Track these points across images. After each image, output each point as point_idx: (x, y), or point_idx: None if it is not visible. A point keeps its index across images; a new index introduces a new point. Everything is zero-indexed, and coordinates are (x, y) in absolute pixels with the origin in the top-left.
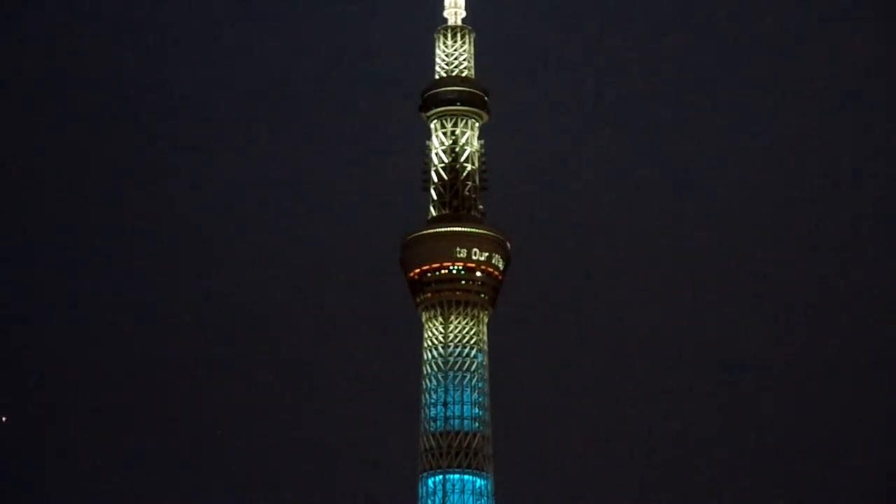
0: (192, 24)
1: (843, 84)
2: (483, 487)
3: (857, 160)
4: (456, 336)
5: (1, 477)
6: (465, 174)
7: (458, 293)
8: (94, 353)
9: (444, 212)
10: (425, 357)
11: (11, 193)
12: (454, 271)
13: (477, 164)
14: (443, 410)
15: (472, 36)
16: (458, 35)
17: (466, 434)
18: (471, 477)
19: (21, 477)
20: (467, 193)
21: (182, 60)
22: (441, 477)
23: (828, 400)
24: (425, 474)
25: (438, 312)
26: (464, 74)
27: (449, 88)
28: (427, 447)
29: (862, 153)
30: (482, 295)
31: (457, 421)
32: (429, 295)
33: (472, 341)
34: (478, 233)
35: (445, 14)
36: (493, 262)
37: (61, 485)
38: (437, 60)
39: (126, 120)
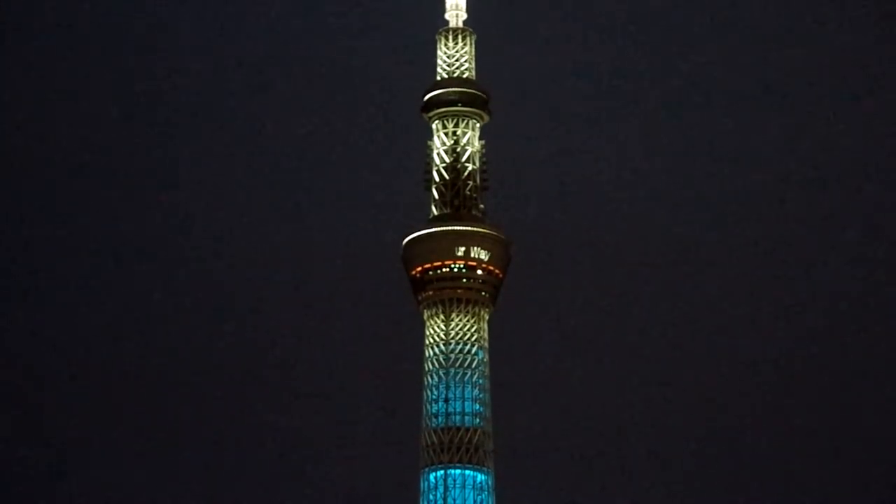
0: (192, 24)
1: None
2: (484, 482)
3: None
4: (457, 333)
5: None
6: (466, 174)
7: (459, 291)
8: (90, 351)
9: (445, 211)
10: (427, 354)
11: (10, 190)
12: (455, 269)
13: (478, 164)
14: (444, 407)
15: (473, 38)
16: (460, 37)
17: (467, 430)
18: (472, 472)
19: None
20: (468, 193)
21: (181, 60)
22: (442, 472)
23: (834, 400)
24: (427, 469)
25: (440, 310)
26: (465, 76)
27: (450, 90)
28: (428, 443)
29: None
30: (483, 293)
31: (458, 417)
32: (430, 293)
33: (474, 339)
34: (479, 231)
35: (447, 16)
36: (494, 260)
37: (56, 481)
38: (439, 62)
39: (125, 121)
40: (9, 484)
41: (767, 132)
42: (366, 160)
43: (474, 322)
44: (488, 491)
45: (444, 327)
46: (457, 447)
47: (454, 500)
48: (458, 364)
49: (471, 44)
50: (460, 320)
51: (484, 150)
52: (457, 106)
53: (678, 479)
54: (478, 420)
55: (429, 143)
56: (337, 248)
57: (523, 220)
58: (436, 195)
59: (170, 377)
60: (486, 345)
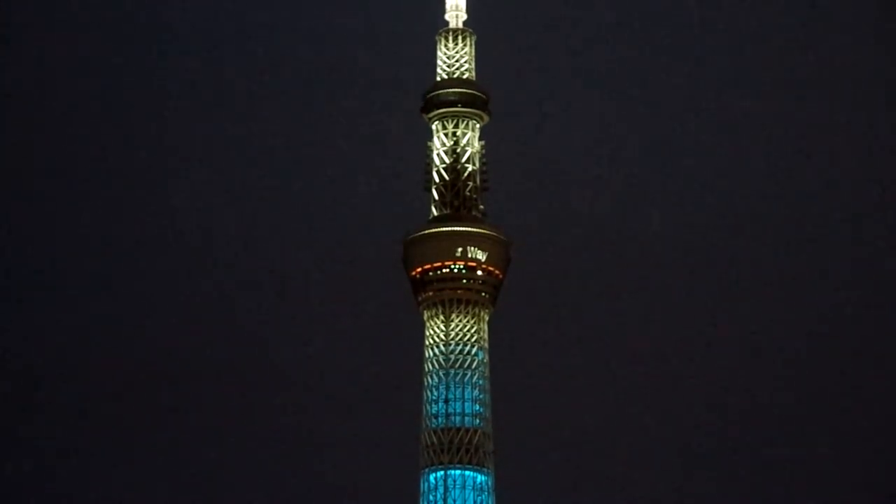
0: (192, 25)
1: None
2: (484, 483)
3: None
4: (457, 334)
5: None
6: (466, 174)
7: (459, 292)
8: (88, 353)
9: (445, 211)
10: (427, 355)
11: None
12: (455, 270)
13: (478, 165)
14: (444, 407)
15: (473, 38)
16: (460, 38)
17: (467, 430)
18: (472, 473)
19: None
20: (468, 193)
21: (181, 61)
22: (442, 472)
23: (835, 400)
24: (427, 470)
25: (440, 311)
26: (465, 76)
27: (450, 90)
28: (428, 443)
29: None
30: (483, 294)
31: (458, 418)
32: (430, 293)
33: (474, 339)
34: (479, 232)
35: (447, 17)
36: (494, 261)
37: (55, 481)
38: (439, 63)
39: (123, 120)
40: (8, 484)
41: (769, 132)
42: (366, 160)
43: (474, 323)
44: (488, 492)
45: (443, 328)
46: (457, 448)
47: (454, 500)
48: (458, 365)
49: (471, 44)
50: (460, 321)
51: (484, 151)
52: (457, 106)
53: (678, 480)
54: (478, 421)
55: (429, 143)
56: (337, 248)
57: (523, 220)
58: (436, 196)
59: (169, 378)
60: (486, 345)
